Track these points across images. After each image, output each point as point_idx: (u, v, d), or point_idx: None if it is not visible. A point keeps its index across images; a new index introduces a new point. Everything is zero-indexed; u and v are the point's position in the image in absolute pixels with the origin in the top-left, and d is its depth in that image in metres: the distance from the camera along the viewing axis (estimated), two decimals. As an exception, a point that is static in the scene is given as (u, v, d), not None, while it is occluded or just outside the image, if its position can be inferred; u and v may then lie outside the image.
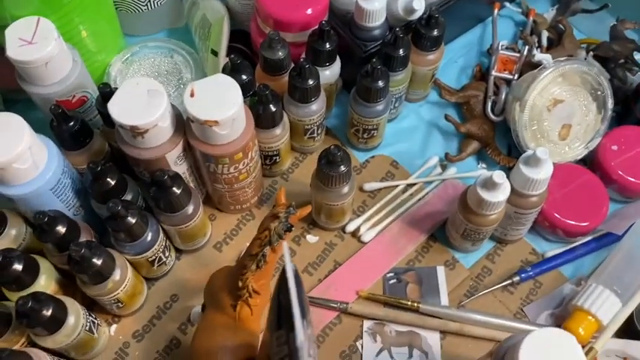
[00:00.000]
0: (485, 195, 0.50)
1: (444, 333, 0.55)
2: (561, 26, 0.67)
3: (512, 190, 0.52)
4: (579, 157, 0.61)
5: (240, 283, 0.42)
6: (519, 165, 0.50)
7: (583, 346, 0.51)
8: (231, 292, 0.44)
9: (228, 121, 0.46)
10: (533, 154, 0.49)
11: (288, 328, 0.28)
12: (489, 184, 0.49)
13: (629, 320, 0.53)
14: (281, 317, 0.30)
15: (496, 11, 0.70)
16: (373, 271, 0.58)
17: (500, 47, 0.65)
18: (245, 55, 0.64)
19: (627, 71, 0.63)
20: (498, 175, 0.48)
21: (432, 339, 0.55)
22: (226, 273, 0.46)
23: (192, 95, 0.46)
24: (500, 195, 0.50)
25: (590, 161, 0.61)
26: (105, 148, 0.55)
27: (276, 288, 0.31)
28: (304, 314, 0.29)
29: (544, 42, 0.67)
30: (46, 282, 0.49)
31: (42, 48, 0.49)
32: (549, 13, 0.70)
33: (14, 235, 0.51)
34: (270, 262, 0.43)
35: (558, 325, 0.54)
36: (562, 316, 0.55)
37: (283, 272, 0.29)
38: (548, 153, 0.49)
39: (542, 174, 0.50)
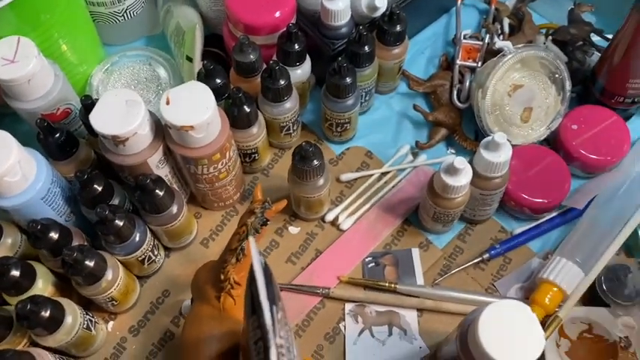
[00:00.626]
0: (449, 180, 0.53)
1: (420, 310, 0.58)
2: (522, 13, 0.70)
3: (476, 174, 0.55)
4: (542, 138, 0.64)
5: (222, 276, 0.46)
6: (480, 150, 0.54)
7: (549, 316, 0.55)
8: (214, 285, 0.47)
9: (203, 125, 0.49)
10: (492, 139, 0.53)
11: (259, 313, 0.32)
12: (452, 170, 0.53)
13: (592, 289, 0.57)
14: (254, 304, 0.33)
15: (459, 1, 0.73)
16: (352, 256, 0.61)
17: (463, 37, 0.68)
18: (220, 59, 0.67)
19: (584, 53, 0.66)
20: (459, 162, 0.52)
21: (410, 317, 0.58)
22: (210, 267, 0.49)
23: (167, 103, 0.50)
24: (463, 179, 0.53)
25: (553, 141, 0.65)
26: (91, 156, 0.58)
27: (247, 279, 0.34)
28: (274, 301, 0.33)
29: (506, 29, 0.70)
30: (43, 285, 0.53)
31: (24, 66, 0.52)
32: (510, 1, 0.73)
33: (10, 243, 0.54)
34: (249, 254, 0.46)
35: (527, 297, 0.58)
36: (530, 288, 0.58)
37: (252, 266, 0.32)
38: (506, 137, 0.52)
39: (502, 157, 0.53)
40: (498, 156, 0.53)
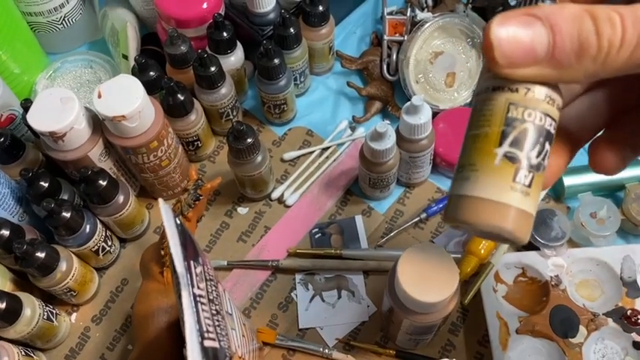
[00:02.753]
0: (375, 145, 0.56)
1: (366, 272, 0.62)
2: (443, -15, 0.74)
3: (403, 138, 0.59)
4: (468, 101, 0.67)
5: (162, 252, 0.49)
6: (402, 115, 0.57)
7: (483, 264, 0.59)
8: (157, 262, 0.50)
9: (134, 114, 0.52)
10: (410, 103, 0.56)
11: (175, 272, 0.35)
12: (375, 135, 0.56)
13: (523, 235, 0.60)
14: (173, 263, 0.36)
15: (384, -20, 0.76)
16: (300, 229, 0.65)
17: (390, 13, 0.72)
18: (159, 55, 0.70)
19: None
20: (380, 126, 0.55)
21: (357, 279, 0.61)
22: (153, 247, 0.52)
23: (99, 96, 0.52)
24: (388, 142, 0.56)
25: (480, 102, 0.68)
26: (39, 158, 0.61)
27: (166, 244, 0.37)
28: (192, 257, 0.36)
29: (430, 2, 0.74)
30: (0, 282, 0.55)
31: (-40, 76, 0.54)
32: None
33: (-34, 246, 0.57)
34: (188, 226, 0.49)
35: (464, 249, 0.61)
36: (468, 241, 0.62)
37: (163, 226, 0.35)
38: (422, 99, 0.55)
39: (423, 118, 0.57)
40: (419, 118, 0.56)
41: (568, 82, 0.28)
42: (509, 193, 0.27)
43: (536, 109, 0.27)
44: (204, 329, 0.34)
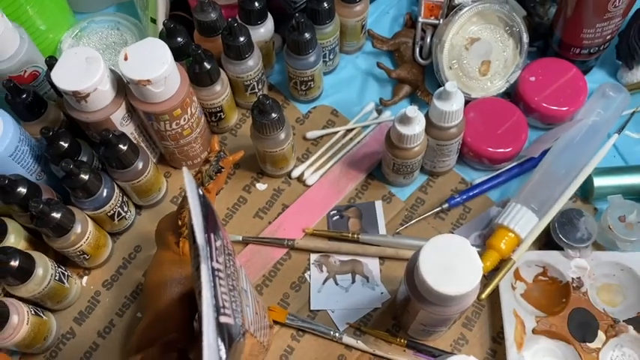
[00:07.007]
0: (403, 129, 0.55)
1: (382, 258, 0.60)
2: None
3: (432, 124, 0.57)
4: (502, 91, 0.65)
5: (180, 222, 0.48)
6: (434, 100, 0.55)
7: (504, 259, 0.57)
8: (174, 232, 0.49)
9: (160, 79, 0.51)
10: (443, 88, 0.54)
11: (194, 237, 0.34)
12: (404, 119, 0.54)
13: (547, 234, 0.58)
14: (193, 234, 0.35)
15: (423, -40, 0.74)
16: (318, 210, 0.63)
17: (426, -6, 0.69)
18: (185, 22, 0.68)
19: (544, 8, 0.67)
20: (411, 110, 0.53)
21: (372, 264, 0.60)
22: (170, 216, 0.51)
23: (125, 59, 0.51)
24: (417, 127, 0.55)
25: (513, 94, 0.66)
26: (60, 118, 0.60)
27: (187, 215, 0.36)
28: (213, 230, 0.35)
29: (469, -14, 0.71)
30: (15, 240, 0.55)
31: (-14, 28, 0.53)
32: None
33: (-18, 201, 0.56)
34: (208, 196, 0.48)
35: (484, 243, 0.59)
36: (489, 235, 0.60)
37: (186, 196, 0.34)
38: (456, 86, 0.53)
39: (455, 106, 0.55)
40: (451, 105, 0.55)
41: None
42: None
43: None
44: (221, 304, 0.33)
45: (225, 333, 0.32)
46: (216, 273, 0.33)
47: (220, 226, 0.38)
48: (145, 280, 0.50)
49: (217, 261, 0.34)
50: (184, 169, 0.34)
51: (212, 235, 0.34)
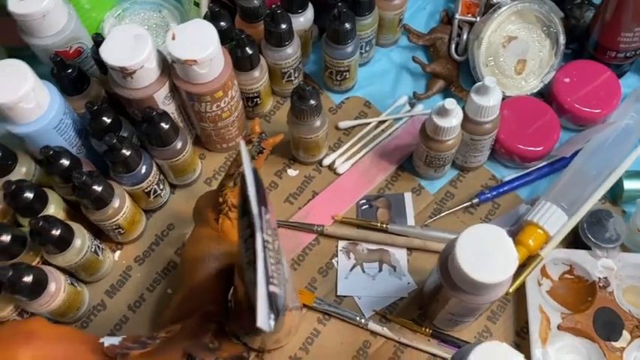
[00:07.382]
0: (440, 121, 0.55)
1: (410, 249, 0.61)
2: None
3: (467, 119, 0.58)
4: (536, 90, 0.66)
5: (220, 199, 0.49)
6: (471, 94, 0.56)
7: (532, 256, 0.58)
8: (214, 209, 0.50)
9: (206, 60, 0.52)
10: (482, 83, 0.55)
11: (247, 208, 0.35)
12: (442, 111, 0.55)
13: (576, 233, 0.59)
14: (245, 206, 0.36)
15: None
16: (347, 198, 0.64)
17: (464, -8, 0.70)
18: (226, 6, 0.69)
19: (581, 10, 0.67)
20: (449, 102, 0.54)
21: (400, 255, 0.61)
22: (210, 194, 0.52)
23: (173, 38, 0.52)
24: (453, 120, 0.55)
25: (547, 94, 0.67)
26: (102, 94, 0.61)
27: (239, 187, 0.37)
28: (263, 202, 0.36)
29: (506, -14, 0.72)
30: (55, 210, 0.56)
31: (39, 1, 0.55)
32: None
33: (24, 172, 0.58)
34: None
35: (513, 239, 0.60)
36: (517, 232, 0.61)
37: (243, 169, 0.35)
38: (495, 81, 0.54)
39: (492, 101, 0.55)
40: (488, 100, 0.55)
41: None
42: None
43: None
44: (270, 274, 0.34)
45: (274, 302, 0.33)
46: (265, 244, 0.34)
47: (269, 202, 0.39)
48: (183, 255, 0.51)
49: (267, 233, 0.35)
50: (241, 141, 0.35)
51: (263, 209, 0.35)
